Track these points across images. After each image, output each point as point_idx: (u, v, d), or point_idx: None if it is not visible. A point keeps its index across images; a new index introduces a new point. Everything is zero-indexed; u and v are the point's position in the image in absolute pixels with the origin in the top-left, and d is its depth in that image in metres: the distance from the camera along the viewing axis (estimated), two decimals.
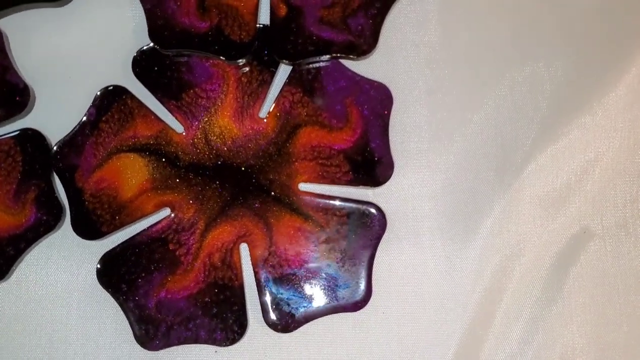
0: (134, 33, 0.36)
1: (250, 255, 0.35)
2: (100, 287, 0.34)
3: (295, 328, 0.34)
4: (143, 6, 0.35)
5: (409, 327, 0.35)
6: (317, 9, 0.35)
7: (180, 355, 0.35)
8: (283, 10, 0.35)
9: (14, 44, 0.36)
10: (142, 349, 0.34)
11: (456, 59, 0.36)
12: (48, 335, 0.35)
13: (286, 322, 0.34)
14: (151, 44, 0.35)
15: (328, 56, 0.35)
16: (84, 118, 0.35)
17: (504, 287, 0.36)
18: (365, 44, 0.35)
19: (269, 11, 0.35)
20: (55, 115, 0.36)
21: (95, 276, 0.35)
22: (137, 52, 0.35)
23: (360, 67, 0.36)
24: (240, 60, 0.35)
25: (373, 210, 0.35)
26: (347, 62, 0.36)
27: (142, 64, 0.35)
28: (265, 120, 0.36)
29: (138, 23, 0.36)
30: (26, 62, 0.36)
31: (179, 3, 0.35)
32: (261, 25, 0.35)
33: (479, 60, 0.36)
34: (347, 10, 0.35)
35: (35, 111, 0.36)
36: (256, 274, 0.35)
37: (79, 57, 0.36)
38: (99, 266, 0.34)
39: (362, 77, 0.35)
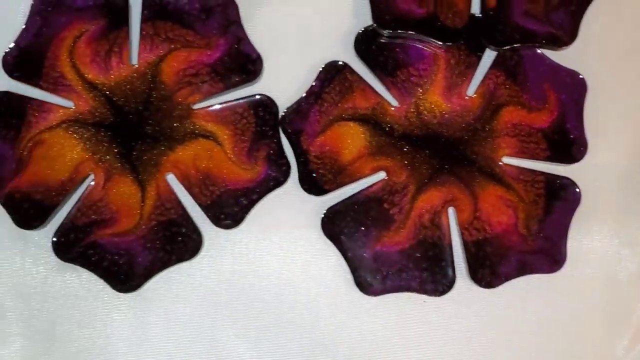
0: (353, 13, 0.43)
1: (457, 218, 0.41)
2: (321, 238, 0.41)
3: (498, 284, 0.40)
4: None
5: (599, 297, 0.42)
6: (523, 2, 0.42)
7: (393, 301, 0.41)
8: (493, 2, 0.42)
9: (242, 15, 0.42)
10: (361, 293, 0.40)
11: None
12: (276, 276, 0.41)
13: (490, 279, 0.40)
14: (371, 25, 0.42)
15: (531, 45, 0.41)
16: (309, 88, 0.41)
17: None
18: (565, 36, 0.41)
19: (479, 1, 0.42)
20: (279, 83, 0.42)
21: (319, 228, 0.40)
22: (359, 32, 0.42)
23: (555, 55, 0.42)
24: (453, 44, 0.42)
25: (569, 184, 0.41)
26: (545, 51, 0.42)
27: (363, 42, 0.42)
28: (472, 98, 0.42)
29: (357, 4, 0.43)
30: (253, 33, 0.42)
31: None
32: (472, 14, 0.42)
33: None
34: (548, 6, 0.41)
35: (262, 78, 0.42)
36: (462, 234, 0.41)
37: (302, 31, 0.43)
38: (323, 218, 0.40)
39: (560, 65, 0.42)
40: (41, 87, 0.40)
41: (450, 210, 0.41)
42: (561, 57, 0.42)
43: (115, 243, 0.40)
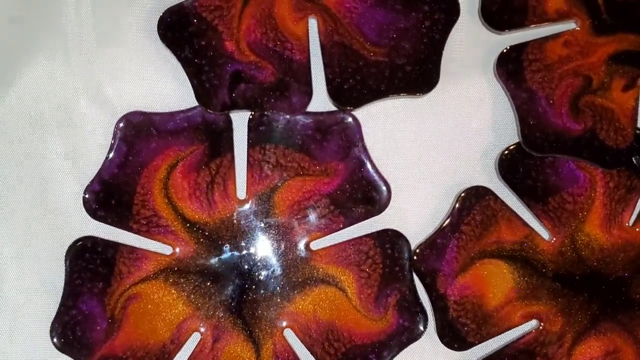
0: (494, 129, 0.38)
1: None
2: None
3: None
4: (514, 102, 0.36)
5: None
6: None
7: None
8: None
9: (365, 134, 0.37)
10: None
11: None
12: None
13: None
14: (517, 144, 0.37)
15: None
16: (445, 220, 0.37)
17: None
18: None
19: None
20: (408, 213, 0.37)
21: None
22: (503, 151, 0.37)
23: None
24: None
25: None
26: None
27: (508, 164, 0.37)
28: (634, 229, 0.37)
29: (499, 118, 0.38)
30: (376, 154, 0.37)
31: (551, 101, 0.37)
32: (639, 131, 0.37)
33: None
34: None
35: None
36: None
37: (434, 150, 0.38)
38: None
39: None
40: (131, 230, 0.35)
41: None
42: None
43: None
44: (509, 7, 0.36)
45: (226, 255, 0.36)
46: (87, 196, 0.35)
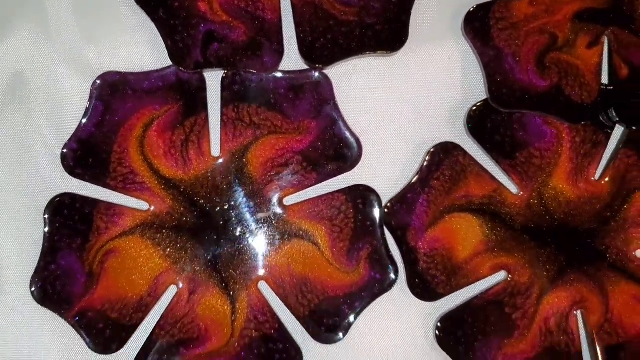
0: (462, 86, 0.39)
1: (585, 322, 0.38)
2: (434, 349, 0.38)
3: None
4: (481, 59, 0.38)
5: None
6: None
7: None
8: (625, 71, 0.38)
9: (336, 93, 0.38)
10: None
11: None
12: None
13: None
14: (485, 100, 0.38)
15: None
16: (415, 175, 0.38)
17: None
18: None
19: (608, 71, 0.39)
20: (380, 169, 0.39)
21: (431, 338, 0.38)
22: (472, 107, 0.38)
23: None
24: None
25: None
26: None
27: (477, 120, 0.38)
28: (600, 182, 0.39)
29: (468, 76, 0.39)
30: (348, 112, 0.39)
31: (517, 59, 0.38)
32: (603, 86, 0.38)
33: None
34: None
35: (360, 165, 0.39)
36: (592, 341, 0.38)
37: (404, 108, 0.39)
38: (438, 327, 0.37)
39: None
40: (109, 186, 0.37)
41: (578, 313, 0.38)
42: None
43: None
44: None
45: (201, 210, 0.37)
46: (65, 153, 0.36)
